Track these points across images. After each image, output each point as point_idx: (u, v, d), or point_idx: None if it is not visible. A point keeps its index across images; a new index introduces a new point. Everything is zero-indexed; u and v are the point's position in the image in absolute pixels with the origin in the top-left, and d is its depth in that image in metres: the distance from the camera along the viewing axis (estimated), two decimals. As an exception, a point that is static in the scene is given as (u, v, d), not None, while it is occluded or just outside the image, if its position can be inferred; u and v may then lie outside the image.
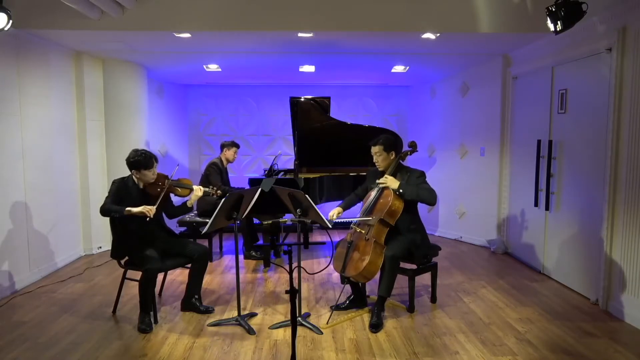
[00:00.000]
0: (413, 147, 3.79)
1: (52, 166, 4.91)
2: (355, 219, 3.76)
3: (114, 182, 3.64)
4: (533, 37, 4.67)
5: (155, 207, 3.46)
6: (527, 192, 5.07)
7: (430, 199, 3.53)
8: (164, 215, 3.89)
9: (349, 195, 4.06)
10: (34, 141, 4.61)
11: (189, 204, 3.75)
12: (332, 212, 3.79)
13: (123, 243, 3.63)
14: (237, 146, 5.74)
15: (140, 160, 3.54)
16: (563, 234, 4.48)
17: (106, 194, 3.61)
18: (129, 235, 3.60)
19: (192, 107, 7.35)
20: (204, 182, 5.28)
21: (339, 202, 4.11)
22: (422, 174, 3.70)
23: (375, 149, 3.73)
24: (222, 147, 5.67)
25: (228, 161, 5.69)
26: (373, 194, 3.70)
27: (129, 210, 3.41)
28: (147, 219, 3.44)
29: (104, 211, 3.47)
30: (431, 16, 4.31)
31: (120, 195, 3.55)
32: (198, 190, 3.70)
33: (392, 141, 3.74)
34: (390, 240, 3.59)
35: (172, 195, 3.82)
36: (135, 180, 3.65)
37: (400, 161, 3.77)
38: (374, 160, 3.78)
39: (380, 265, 3.49)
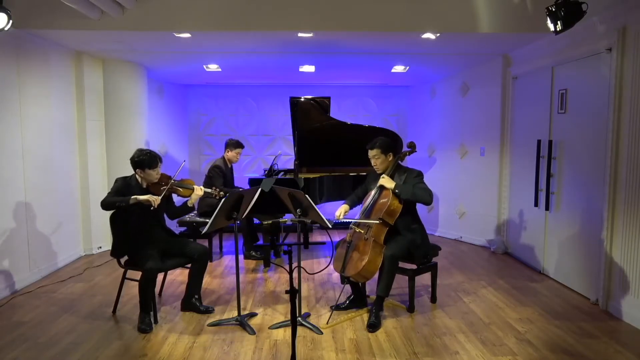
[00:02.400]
0: (412, 147, 3.79)
1: (52, 166, 4.91)
2: (354, 220, 3.76)
3: (116, 180, 3.65)
4: (533, 37, 4.66)
5: (160, 197, 3.52)
6: (527, 192, 5.07)
7: (427, 198, 3.53)
8: (164, 215, 3.89)
9: (349, 195, 4.05)
10: (34, 141, 4.61)
11: (189, 203, 3.77)
12: (339, 211, 3.76)
13: (123, 242, 3.64)
14: (242, 147, 5.58)
15: (144, 159, 3.56)
16: (563, 234, 4.48)
17: (106, 194, 3.61)
18: (129, 235, 3.61)
19: (192, 107, 7.35)
20: (207, 184, 5.27)
21: (339, 202, 4.11)
22: (420, 174, 3.70)
23: (372, 152, 3.71)
24: (227, 146, 5.52)
25: (230, 162, 5.59)
26: (372, 194, 3.70)
27: (135, 198, 3.44)
28: (152, 208, 3.46)
29: (106, 204, 3.47)
30: (431, 16, 4.31)
31: (122, 194, 3.56)
32: (199, 190, 3.73)
33: (388, 143, 3.73)
34: (389, 240, 3.59)
35: (174, 195, 3.83)
36: (139, 179, 3.66)
37: (399, 161, 3.77)
38: (372, 164, 3.78)
39: (379, 265, 3.49)
